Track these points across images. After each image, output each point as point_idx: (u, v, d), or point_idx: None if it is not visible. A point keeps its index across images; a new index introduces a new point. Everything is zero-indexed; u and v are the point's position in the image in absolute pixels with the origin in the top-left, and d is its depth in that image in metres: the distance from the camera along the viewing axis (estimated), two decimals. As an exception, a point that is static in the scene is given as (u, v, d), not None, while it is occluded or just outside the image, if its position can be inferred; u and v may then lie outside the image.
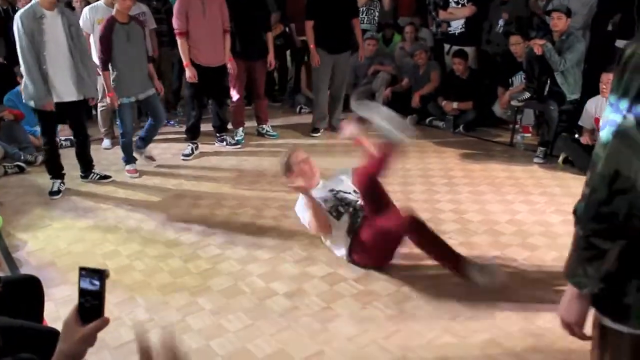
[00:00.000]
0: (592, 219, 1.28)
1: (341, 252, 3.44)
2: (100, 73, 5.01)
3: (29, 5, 4.32)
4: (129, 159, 5.28)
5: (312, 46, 6.08)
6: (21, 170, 5.37)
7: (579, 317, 1.38)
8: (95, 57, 5.67)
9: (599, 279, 1.31)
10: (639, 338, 1.32)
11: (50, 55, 4.36)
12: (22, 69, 4.39)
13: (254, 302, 3.08)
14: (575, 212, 1.34)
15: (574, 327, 1.40)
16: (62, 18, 4.39)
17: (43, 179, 4.95)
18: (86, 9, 5.75)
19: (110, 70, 4.91)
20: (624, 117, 1.24)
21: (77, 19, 4.69)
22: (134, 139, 5.33)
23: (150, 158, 5.51)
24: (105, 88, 5.04)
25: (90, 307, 1.29)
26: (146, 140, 5.42)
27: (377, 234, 3.23)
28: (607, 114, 1.28)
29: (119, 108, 5.03)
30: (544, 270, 3.28)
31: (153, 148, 5.75)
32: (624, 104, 1.24)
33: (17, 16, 4.26)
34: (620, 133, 1.23)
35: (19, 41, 4.27)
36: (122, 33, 4.83)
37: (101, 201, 4.64)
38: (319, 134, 6.33)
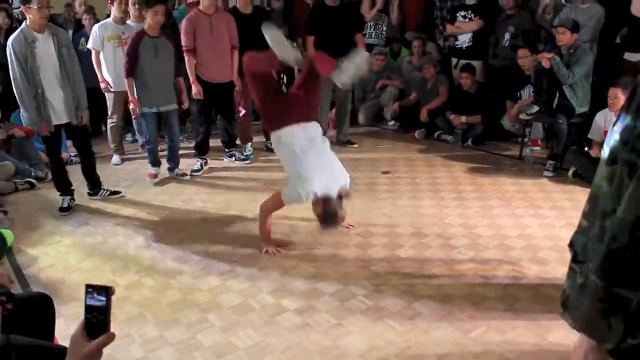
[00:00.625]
0: (614, 268, 1.19)
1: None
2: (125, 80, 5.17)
3: (19, 30, 4.30)
4: (154, 162, 5.50)
5: None
6: (32, 186, 5.41)
7: None
8: (106, 74, 5.75)
9: (621, 332, 1.20)
10: None
11: (45, 78, 4.36)
12: (16, 95, 4.38)
13: (264, 318, 3.07)
14: (572, 244, 1.28)
15: None
16: (53, 39, 4.37)
17: (53, 195, 4.98)
18: (96, 27, 5.81)
19: (135, 79, 5.10)
20: None
21: (69, 37, 4.73)
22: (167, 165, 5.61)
23: (183, 174, 5.62)
24: (129, 95, 5.16)
25: (97, 322, 1.32)
26: (173, 161, 5.62)
27: None
28: (616, 130, 1.18)
29: (142, 117, 5.25)
30: (556, 285, 3.25)
31: (162, 165, 5.78)
32: None
33: (9, 43, 4.25)
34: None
35: (11, 67, 4.27)
36: (150, 46, 5.02)
37: (110, 217, 4.66)
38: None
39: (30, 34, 4.27)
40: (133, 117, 6.05)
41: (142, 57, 5.01)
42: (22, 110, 4.42)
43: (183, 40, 5.38)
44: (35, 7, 4.20)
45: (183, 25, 5.40)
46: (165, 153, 5.61)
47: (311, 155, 3.66)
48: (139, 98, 5.14)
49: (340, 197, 3.63)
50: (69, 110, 4.55)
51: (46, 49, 4.35)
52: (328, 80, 5.97)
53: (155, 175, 5.46)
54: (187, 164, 5.88)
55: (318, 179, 3.56)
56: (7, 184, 5.27)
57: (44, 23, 4.33)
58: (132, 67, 5.04)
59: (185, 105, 5.62)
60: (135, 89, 5.13)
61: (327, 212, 3.53)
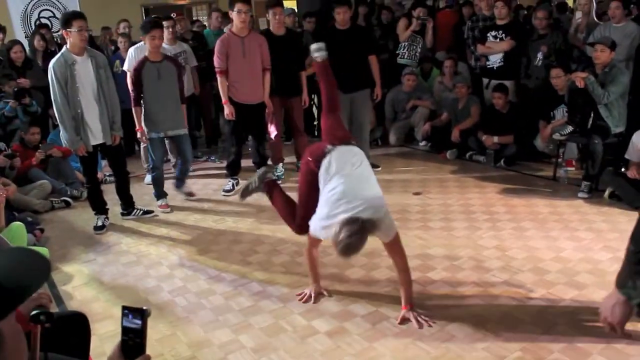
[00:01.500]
0: None
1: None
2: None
3: (60, 53, 4.47)
4: (160, 194, 5.42)
5: None
6: (67, 205, 5.53)
7: (622, 320, 1.54)
8: None
9: None
10: None
11: (84, 99, 4.50)
12: (56, 115, 4.55)
13: (296, 340, 3.05)
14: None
15: (616, 327, 1.57)
16: (92, 62, 4.52)
17: (88, 214, 5.07)
18: (131, 49, 5.94)
19: (142, 106, 5.11)
20: None
21: (106, 60, 4.83)
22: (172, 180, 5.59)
23: (190, 194, 5.63)
24: (136, 123, 5.18)
25: (133, 344, 1.35)
26: (181, 179, 5.63)
27: None
28: None
29: (149, 143, 5.23)
30: (594, 309, 3.17)
31: (193, 184, 5.86)
32: None
33: (50, 65, 4.41)
34: None
35: (52, 89, 4.42)
36: (153, 71, 5.02)
37: (144, 237, 4.72)
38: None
39: (70, 57, 4.41)
40: (142, 145, 6.14)
41: (145, 83, 5.02)
42: (61, 130, 4.54)
43: (216, 62, 5.45)
44: (75, 30, 4.34)
45: (216, 47, 5.48)
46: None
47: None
48: (146, 124, 5.13)
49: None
50: (105, 130, 4.66)
51: (85, 71, 4.48)
52: (344, 103, 5.97)
53: (167, 205, 5.38)
54: (219, 184, 5.93)
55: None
56: (44, 202, 5.41)
57: (83, 45, 4.47)
58: (138, 96, 5.05)
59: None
60: (142, 116, 5.14)
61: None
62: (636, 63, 5.83)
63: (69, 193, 5.69)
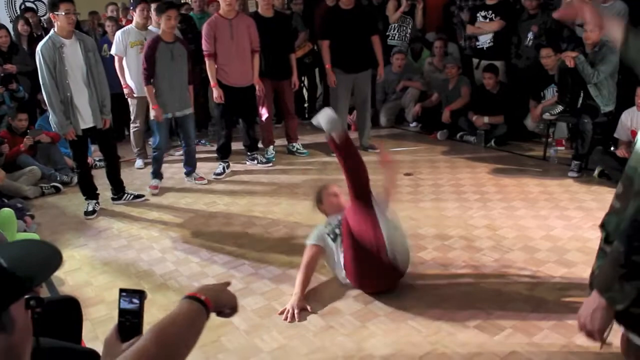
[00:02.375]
0: (635, 237, 1.30)
1: (341, 274, 3.36)
2: (145, 87, 5.17)
3: (47, 36, 4.41)
4: (157, 174, 5.42)
5: (327, 66, 6.01)
6: (57, 190, 5.49)
7: (602, 327, 1.42)
8: (130, 80, 5.79)
9: (633, 297, 1.34)
10: None
11: (72, 83, 4.46)
12: (45, 99, 4.50)
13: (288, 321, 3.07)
14: (603, 225, 1.38)
15: (595, 335, 1.44)
16: (80, 45, 4.48)
17: (78, 199, 5.04)
18: (119, 33, 5.87)
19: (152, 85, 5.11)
20: None
21: (94, 43, 4.78)
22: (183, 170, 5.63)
23: (201, 178, 5.63)
24: (150, 101, 5.17)
25: (130, 325, 1.36)
26: (191, 165, 5.64)
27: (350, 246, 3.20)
28: None
29: (155, 122, 5.23)
30: (582, 286, 3.20)
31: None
32: None
33: (38, 49, 4.36)
34: None
35: (40, 73, 4.36)
36: (167, 52, 5.03)
37: (135, 221, 4.70)
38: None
39: (58, 40, 4.36)
40: (132, 130, 6.13)
41: (158, 63, 5.02)
42: (50, 114, 4.50)
43: (204, 45, 5.42)
44: (63, 13, 4.29)
45: (204, 30, 5.44)
46: (182, 158, 5.68)
47: None
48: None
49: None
50: (95, 114, 4.63)
51: (74, 54, 4.44)
52: (347, 83, 6.02)
53: (157, 187, 5.37)
54: (210, 168, 5.92)
55: None
56: (34, 188, 5.38)
57: (71, 29, 4.43)
58: (151, 74, 5.06)
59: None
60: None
61: None
62: None
63: (58, 179, 5.65)
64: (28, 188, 5.33)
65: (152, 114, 5.25)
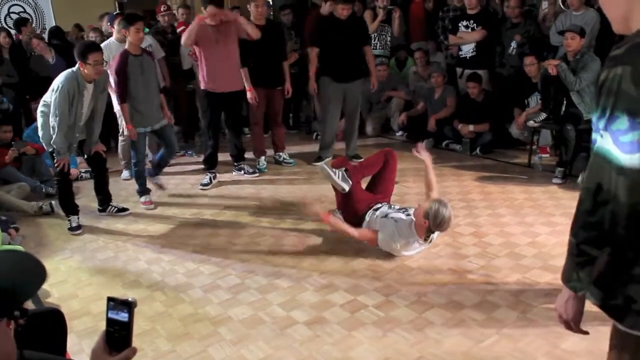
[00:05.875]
0: (581, 228, 1.45)
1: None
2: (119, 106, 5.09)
3: (73, 72, 4.36)
4: (143, 191, 5.32)
5: (311, 72, 6.04)
6: (53, 210, 5.20)
7: (575, 316, 1.54)
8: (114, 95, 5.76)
9: (589, 282, 1.47)
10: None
11: (79, 120, 4.51)
12: (52, 120, 4.38)
13: (275, 331, 3.06)
14: None
15: (570, 324, 1.57)
16: (95, 83, 4.52)
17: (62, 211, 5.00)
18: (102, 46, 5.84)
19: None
20: (601, 135, 1.37)
21: (107, 79, 4.80)
22: (147, 167, 5.45)
23: (161, 186, 5.54)
24: (125, 121, 5.09)
25: (119, 337, 1.32)
26: (158, 167, 5.49)
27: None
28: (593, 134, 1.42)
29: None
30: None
31: (170, 179, 5.83)
32: (601, 124, 1.37)
33: (61, 79, 4.33)
34: (600, 149, 1.38)
35: (59, 96, 4.30)
36: (136, 65, 4.93)
37: (121, 232, 4.68)
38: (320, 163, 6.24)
39: (83, 83, 4.40)
40: (120, 143, 6.03)
41: (130, 78, 4.91)
42: (54, 133, 4.40)
43: (183, 39, 5.43)
44: (91, 63, 4.31)
45: (188, 29, 5.43)
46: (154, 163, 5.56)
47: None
48: (132, 120, 5.00)
49: None
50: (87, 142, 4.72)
51: (88, 96, 4.52)
52: (337, 92, 6.04)
53: (150, 202, 5.29)
54: (197, 179, 5.90)
55: None
56: (30, 205, 5.23)
57: (97, 77, 4.47)
58: (125, 91, 4.93)
59: (170, 121, 5.45)
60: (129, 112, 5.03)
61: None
62: (596, 51, 5.88)
63: (44, 191, 5.60)
64: (25, 203, 5.21)
65: (125, 132, 5.16)
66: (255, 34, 5.46)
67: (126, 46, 4.97)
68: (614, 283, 1.44)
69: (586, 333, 1.59)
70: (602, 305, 1.48)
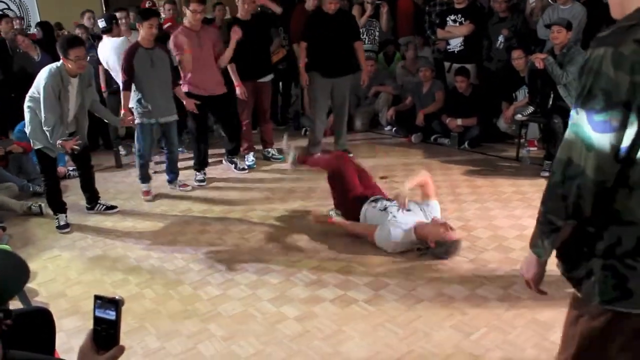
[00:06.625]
0: (549, 198, 1.52)
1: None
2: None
3: (57, 68, 4.33)
4: (145, 178, 5.37)
5: (301, 65, 6.02)
6: (42, 212, 5.13)
7: (534, 277, 1.68)
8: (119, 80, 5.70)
9: (552, 250, 1.58)
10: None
11: (65, 116, 4.46)
12: (44, 118, 4.34)
13: (265, 327, 3.07)
14: None
15: (531, 283, 1.71)
16: (80, 78, 4.48)
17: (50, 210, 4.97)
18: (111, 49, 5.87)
19: (134, 92, 5.06)
20: (577, 112, 1.44)
21: (92, 74, 4.81)
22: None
23: (185, 185, 5.59)
24: (122, 104, 5.06)
25: (107, 335, 1.32)
26: (171, 172, 5.58)
27: None
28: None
29: (139, 128, 5.15)
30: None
31: (161, 175, 5.81)
32: (579, 101, 1.44)
33: (44, 77, 4.29)
34: (574, 125, 1.44)
35: (45, 93, 4.27)
36: (146, 58, 4.97)
37: (110, 230, 4.66)
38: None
39: (67, 78, 4.36)
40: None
41: (137, 70, 4.96)
42: (44, 130, 4.38)
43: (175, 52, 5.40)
44: (73, 59, 4.27)
45: (172, 41, 5.41)
46: (164, 165, 5.63)
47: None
48: (138, 110, 5.07)
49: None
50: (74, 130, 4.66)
51: (73, 88, 4.47)
52: (325, 87, 6.04)
53: (149, 192, 5.35)
54: (186, 175, 5.86)
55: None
56: (19, 204, 5.18)
57: (81, 72, 4.44)
58: (129, 81, 4.99)
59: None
60: (134, 100, 5.08)
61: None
62: (584, 44, 5.90)
63: (31, 189, 5.56)
64: (15, 202, 5.17)
65: (120, 114, 5.10)
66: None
67: (138, 38, 5.07)
68: (577, 255, 1.56)
69: (544, 293, 1.74)
70: (567, 275, 1.62)
